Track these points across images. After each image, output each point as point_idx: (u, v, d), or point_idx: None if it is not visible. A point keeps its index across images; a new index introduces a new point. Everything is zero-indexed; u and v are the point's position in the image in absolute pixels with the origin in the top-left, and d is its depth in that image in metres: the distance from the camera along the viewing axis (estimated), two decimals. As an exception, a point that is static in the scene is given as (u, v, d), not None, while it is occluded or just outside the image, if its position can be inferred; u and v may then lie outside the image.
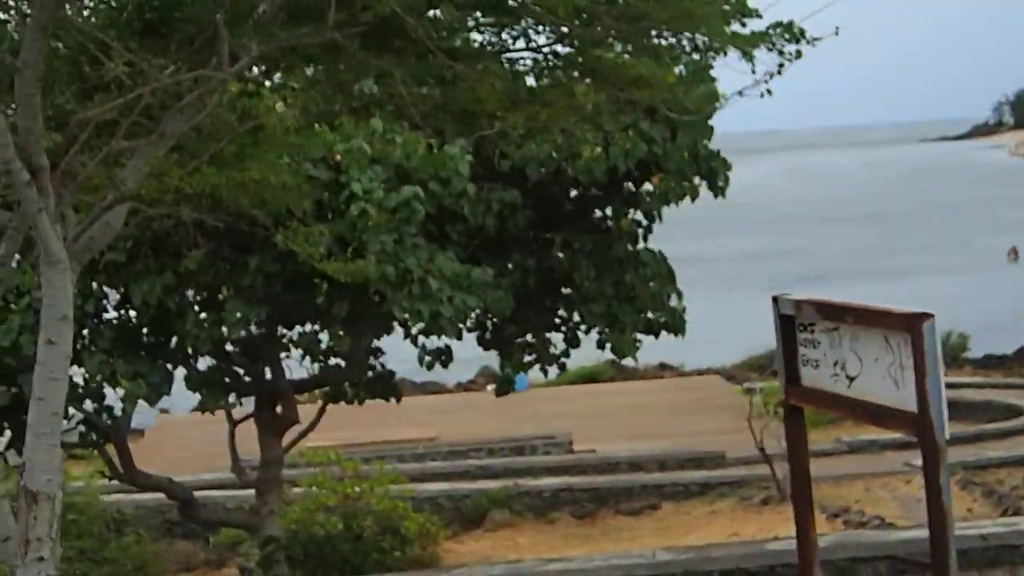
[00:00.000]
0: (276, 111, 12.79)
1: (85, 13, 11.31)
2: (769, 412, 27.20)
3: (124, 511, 23.25)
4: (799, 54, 13.10)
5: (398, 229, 16.87)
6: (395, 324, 18.33)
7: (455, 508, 24.32)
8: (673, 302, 20.13)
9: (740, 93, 13.63)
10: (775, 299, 9.51)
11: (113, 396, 18.23)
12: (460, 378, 47.29)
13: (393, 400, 20.47)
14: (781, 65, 12.92)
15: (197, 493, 20.59)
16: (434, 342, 19.13)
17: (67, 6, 10.86)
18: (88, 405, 18.24)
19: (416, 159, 17.27)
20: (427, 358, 19.46)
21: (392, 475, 21.65)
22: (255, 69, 12.28)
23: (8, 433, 18.44)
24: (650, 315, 20.01)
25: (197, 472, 26.56)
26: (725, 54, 12.54)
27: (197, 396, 18.97)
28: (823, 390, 9.23)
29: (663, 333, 20.24)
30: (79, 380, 17.59)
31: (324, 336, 19.01)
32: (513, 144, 18.24)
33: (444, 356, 19.59)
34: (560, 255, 20.02)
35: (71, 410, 17.05)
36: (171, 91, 10.92)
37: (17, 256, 14.24)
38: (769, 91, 13.52)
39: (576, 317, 20.25)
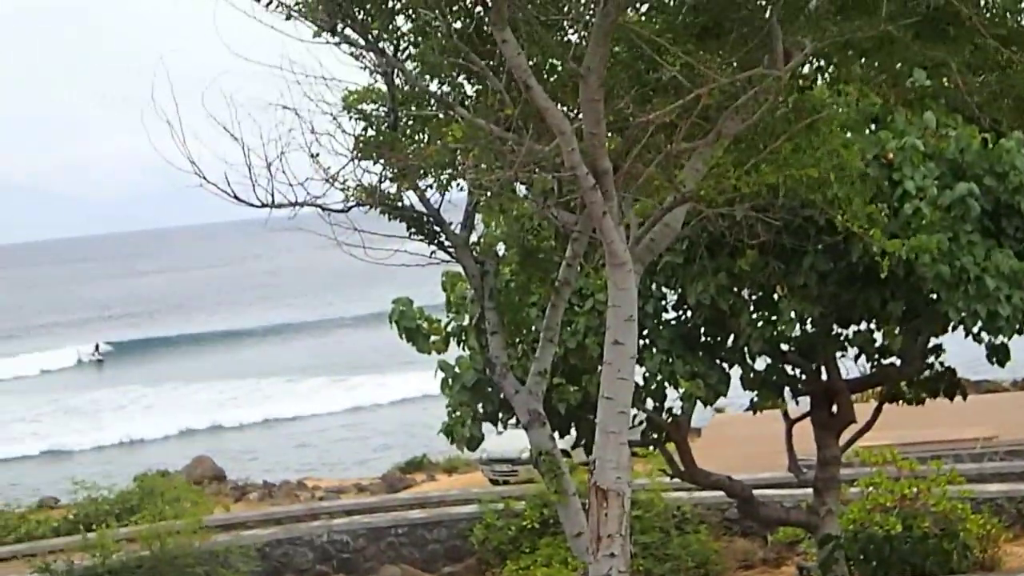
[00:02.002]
0: (831, 107, 12.83)
1: (642, 18, 11.71)
2: None
3: (684, 508, 23.75)
4: None
5: (953, 227, 16.59)
6: (952, 322, 17.93)
7: (1016, 510, 23.52)
8: None
9: None
10: None
11: (672, 395, 18.70)
12: (1015, 375, 45.67)
13: (950, 399, 20.08)
14: None
15: (754, 492, 20.77)
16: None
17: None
18: (649, 404, 18.78)
19: (971, 154, 16.88)
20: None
21: (950, 475, 21.17)
22: (807, 65, 12.39)
23: (575, 432, 19.21)
24: None
25: (753, 471, 26.75)
26: None
27: (751, 395, 19.23)
28: None
29: None
30: (639, 380, 18.14)
31: (878, 335, 18.88)
32: (1074, 132, 17.52)
33: (1000, 354, 19.03)
34: None
35: (633, 409, 17.62)
36: (726, 91, 11.17)
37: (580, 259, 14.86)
38: None
39: None
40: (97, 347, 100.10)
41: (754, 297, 18.33)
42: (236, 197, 13.35)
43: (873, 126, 16.95)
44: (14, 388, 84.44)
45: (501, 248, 16.04)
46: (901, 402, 20.26)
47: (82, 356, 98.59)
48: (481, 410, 19.18)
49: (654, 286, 18.23)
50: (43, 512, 32.37)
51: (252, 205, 13.58)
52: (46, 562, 24.33)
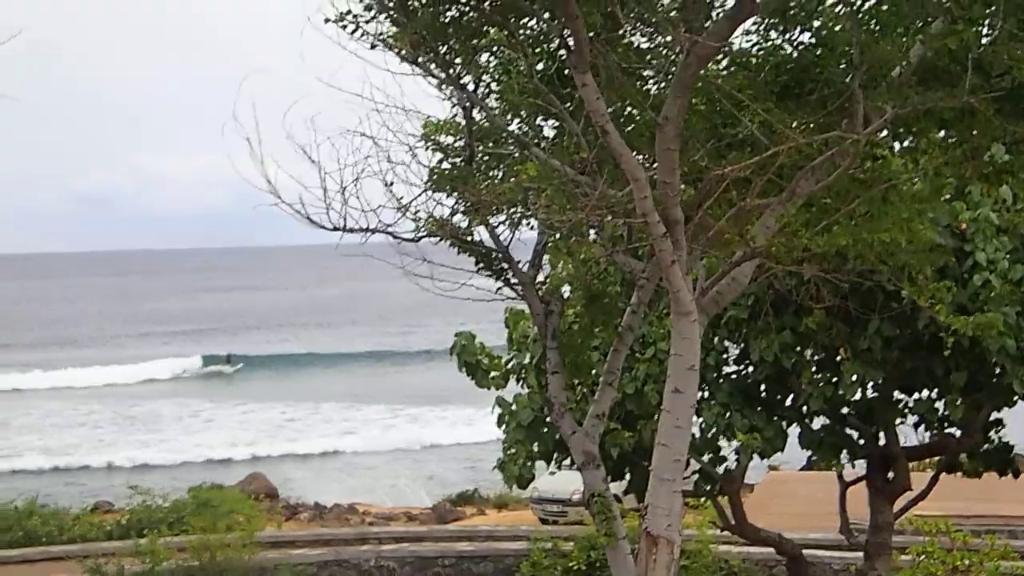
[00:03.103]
0: (907, 174, 12.82)
1: (723, 73, 11.75)
2: None
3: (732, 562, 23.66)
4: None
5: (1022, 301, 16.52)
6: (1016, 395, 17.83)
7: (1070, 591, 23.19)
8: None
9: None
10: None
11: (728, 449, 18.67)
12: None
13: (1002, 475, 19.92)
14: None
15: (804, 551, 20.66)
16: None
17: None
18: (704, 456, 18.76)
19: (1047, 230, 16.86)
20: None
21: (1003, 550, 20.93)
22: (885, 131, 12.39)
23: (627, 477, 19.20)
24: None
25: (803, 530, 26.61)
26: None
27: (807, 454, 19.16)
28: None
29: None
30: (696, 431, 18.11)
31: (940, 404, 18.78)
32: None
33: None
34: None
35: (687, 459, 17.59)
36: (803, 150, 11.19)
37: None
38: None
39: None
40: (228, 358, 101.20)
41: (817, 357, 18.32)
42: (309, 219, 13.47)
43: (948, 196, 16.94)
44: (72, 397, 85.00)
45: (567, 289, 16.09)
46: (958, 473, 20.13)
47: (205, 367, 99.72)
48: (536, 449, 19.22)
49: (716, 339, 18.25)
50: (97, 515, 32.63)
51: (325, 228, 13.69)
52: (97, 564, 24.52)
